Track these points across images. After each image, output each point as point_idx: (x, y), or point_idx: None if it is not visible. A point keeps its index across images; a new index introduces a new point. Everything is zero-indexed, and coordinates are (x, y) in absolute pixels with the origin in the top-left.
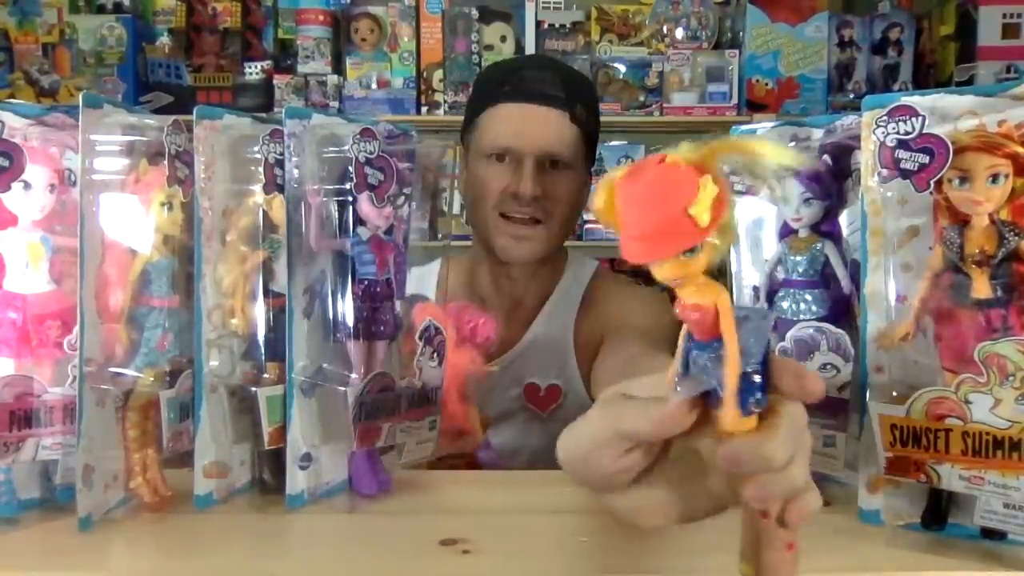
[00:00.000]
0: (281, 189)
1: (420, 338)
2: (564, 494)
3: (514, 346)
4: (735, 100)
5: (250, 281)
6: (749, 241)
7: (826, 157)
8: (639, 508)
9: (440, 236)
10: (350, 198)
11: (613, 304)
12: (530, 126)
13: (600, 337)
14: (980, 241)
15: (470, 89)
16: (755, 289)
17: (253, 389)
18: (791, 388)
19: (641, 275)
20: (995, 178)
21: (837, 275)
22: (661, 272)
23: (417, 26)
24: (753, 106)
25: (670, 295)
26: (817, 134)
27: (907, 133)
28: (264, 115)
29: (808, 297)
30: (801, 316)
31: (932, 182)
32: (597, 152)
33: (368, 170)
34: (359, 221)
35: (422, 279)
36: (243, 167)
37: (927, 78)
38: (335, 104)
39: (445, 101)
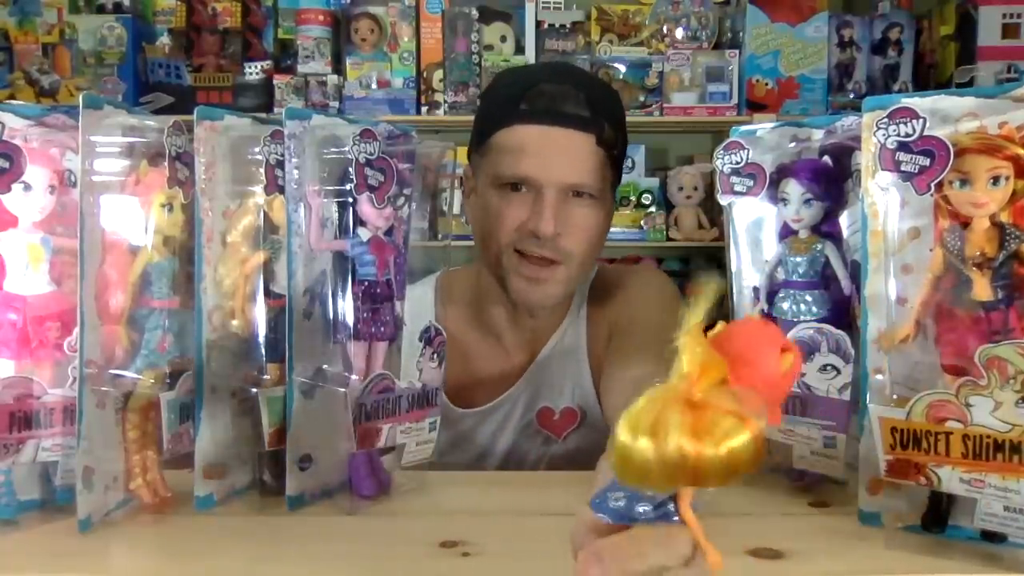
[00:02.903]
0: (282, 190)
1: (420, 339)
2: (564, 495)
3: (523, 373)
4: (735, 100)
5: (250, 282)
6: (749, 242)
7: (826, 158)
8: None
9: (440, 236)
10: (350, 199)
11: (617, 294)
12: (551, 153)
13: (608, 336)
14: (981, 243)
15: (470, 89)
16: (755, 290)
17: (253, 390)
18: None
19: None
20: (996, 180)
21: (837, 276)
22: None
23: (417, 26)
24: (753, 106)
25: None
26: (817, 135)
27: (908, 135)
28: (264, 116)
29: (808, 298)
30: (801, 317)
31: (933, 184)
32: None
33: (368, 171)
34: (359, 222)
35: (421, 300)
36: (244, 168)
37: (927, 78)
38: (335, 104)
39: (445, 101)
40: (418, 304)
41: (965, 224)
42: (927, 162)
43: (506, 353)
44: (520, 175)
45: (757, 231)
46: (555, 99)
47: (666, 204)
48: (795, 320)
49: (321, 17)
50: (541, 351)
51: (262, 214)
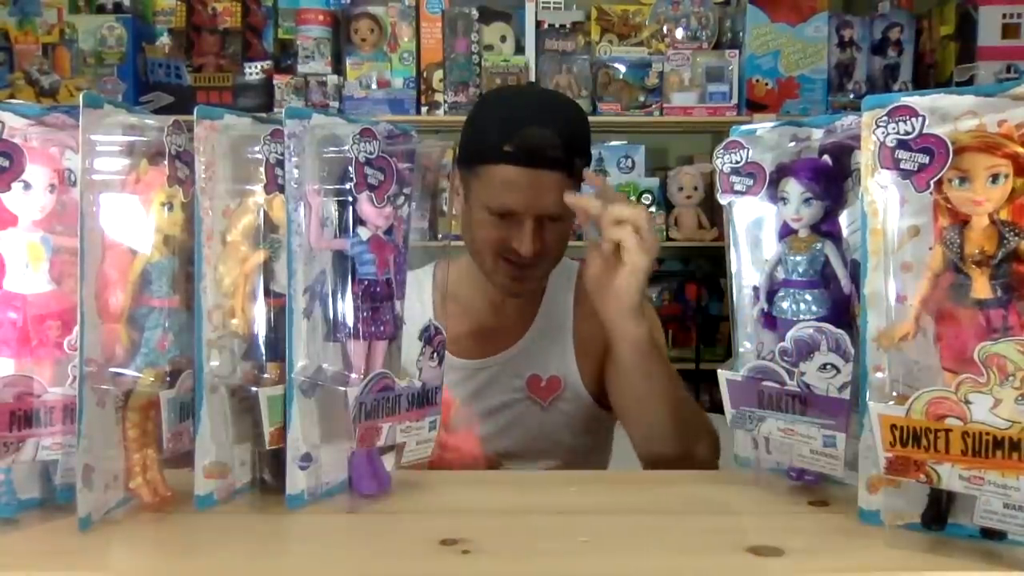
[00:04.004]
0: (282, 189)
1: (420, 338)
2: (564, 494)
3: (516, 342)
4: (735, 100)
5: (250, 281)
6: (749, 241)
7: (826, 157)
8: None
9: (440, 236)
10: (350, 198)
11: None
12: (532, 191)
13: (599, 337)
14: (980, 241)
15: (470, 89)
16: (755, 289)
17: (254, 389)
18: None
19: None
20: (995, 178)
21: (837, 275)
22: None
23: (417, 26)
24: (753, 106)
25: None
26: (817, 134)
27: (907, 133)
28: (264, 115)
29: (808, 297)
30: (801, 316)
31: (932, 182)
32: (597, 152)
33: (368, 170)
34: (359, 221)
35: (418, 283)
36: (244, 167)
37: (927, 78)
38: (335, 104)
39: (445, 101)
40: (414, 282)
41: (964, 222)
42: (926, 160)
43: (495, 330)
44: (506, 209)
45: (757, 230)
46: (536, 145)
47: (666, 204)
48: (795, 319)
49: (321, 17)
50: (530, 328)
51: (262, 213)
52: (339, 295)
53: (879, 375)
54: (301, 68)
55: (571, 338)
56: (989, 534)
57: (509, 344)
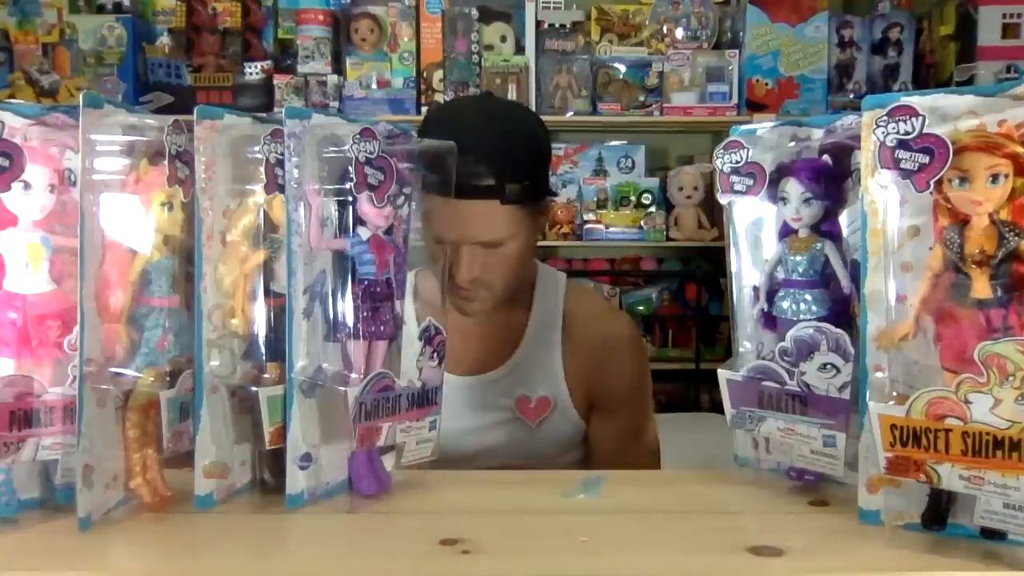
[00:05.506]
0: (282, 189)
1: (420, 338)
2: (562, 495)
3: (505, 362)
4: (735, 100)
5: (251, 281)
6: (749, 241)
7: (826, 157)
8: None
9: None
10: (350, 198)
11: (599, 349)
12: (462, 220)
13: (588, 362)
14: (980, 241)
15: (469, 89)
16: (755, 289)
17: (254, 389)
18: None
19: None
20: (995, 178)
21: (837, 275)
22: None
23: (417, 26)
24: (753, 106)
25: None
26: (817, 134)
27: (907, 133)
28: (265, 115)
29: (808, 297)
30: (801, 316)
31: (932, 182)
32: (597, 152)
33: (368, 170)
34: (359, 221)
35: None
36: (244, 167)
37: (927, 78)
38: (335, 104)
39: (445, 101)
40: None
41: (964, 222)
42: (926, 160)
43: (483, 347)
44: (440, 238)
45: (757, 230)
46: (461, 175)
47: (666, 204)
48: (795, 319)
49: (321, 17)
50: (519, 347)
51: (262, 213)
52: (339, 295)
53: (879, 375)
54: (301, 68)
55: (560, 362)
56: (989, 534)
57: (499, 362)
